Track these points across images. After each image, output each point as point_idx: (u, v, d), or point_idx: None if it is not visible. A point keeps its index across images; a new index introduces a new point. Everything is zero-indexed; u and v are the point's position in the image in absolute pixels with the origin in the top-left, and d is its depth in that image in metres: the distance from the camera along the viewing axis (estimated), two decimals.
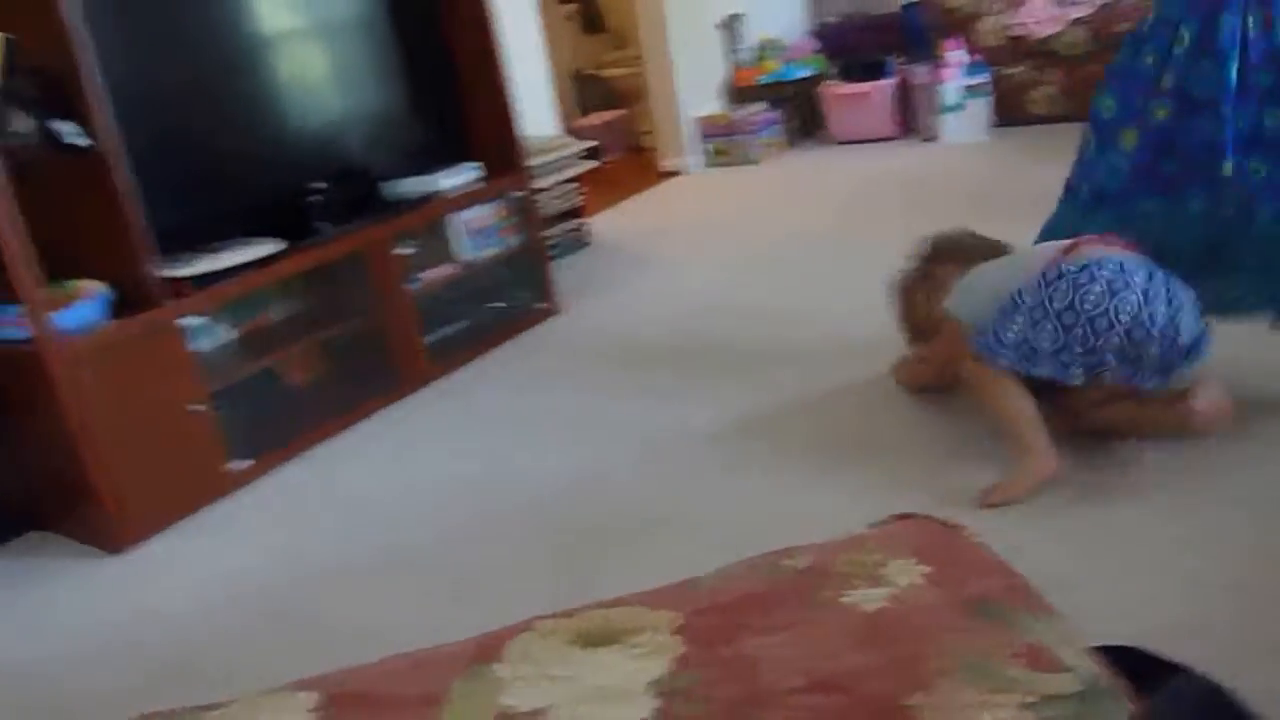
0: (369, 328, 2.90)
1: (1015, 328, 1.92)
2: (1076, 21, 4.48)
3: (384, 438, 2.73)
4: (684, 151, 5.20)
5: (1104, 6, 4.52)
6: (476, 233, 3.15)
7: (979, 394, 2.04)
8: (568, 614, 0.97)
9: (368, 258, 2.83)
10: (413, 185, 3.09)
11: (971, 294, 2.11)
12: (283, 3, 2.84)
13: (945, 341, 2.18)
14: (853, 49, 5.38)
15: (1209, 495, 1.81)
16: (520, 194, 3.27)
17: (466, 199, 3.13)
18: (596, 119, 6.04)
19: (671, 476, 2.25)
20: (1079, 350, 1.87)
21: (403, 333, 2.93)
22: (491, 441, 2.59)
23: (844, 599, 0.92)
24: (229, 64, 2.69)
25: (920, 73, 4.89)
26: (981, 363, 1.97)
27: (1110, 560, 1.69)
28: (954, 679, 0.80)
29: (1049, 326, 1.88)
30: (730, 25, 5.31)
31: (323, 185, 2.84)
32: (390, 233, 2.88)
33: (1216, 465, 1.84)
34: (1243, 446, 1.93)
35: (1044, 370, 1.91)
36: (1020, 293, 1.94)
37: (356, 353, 2.90)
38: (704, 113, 5.21)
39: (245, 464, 2.55)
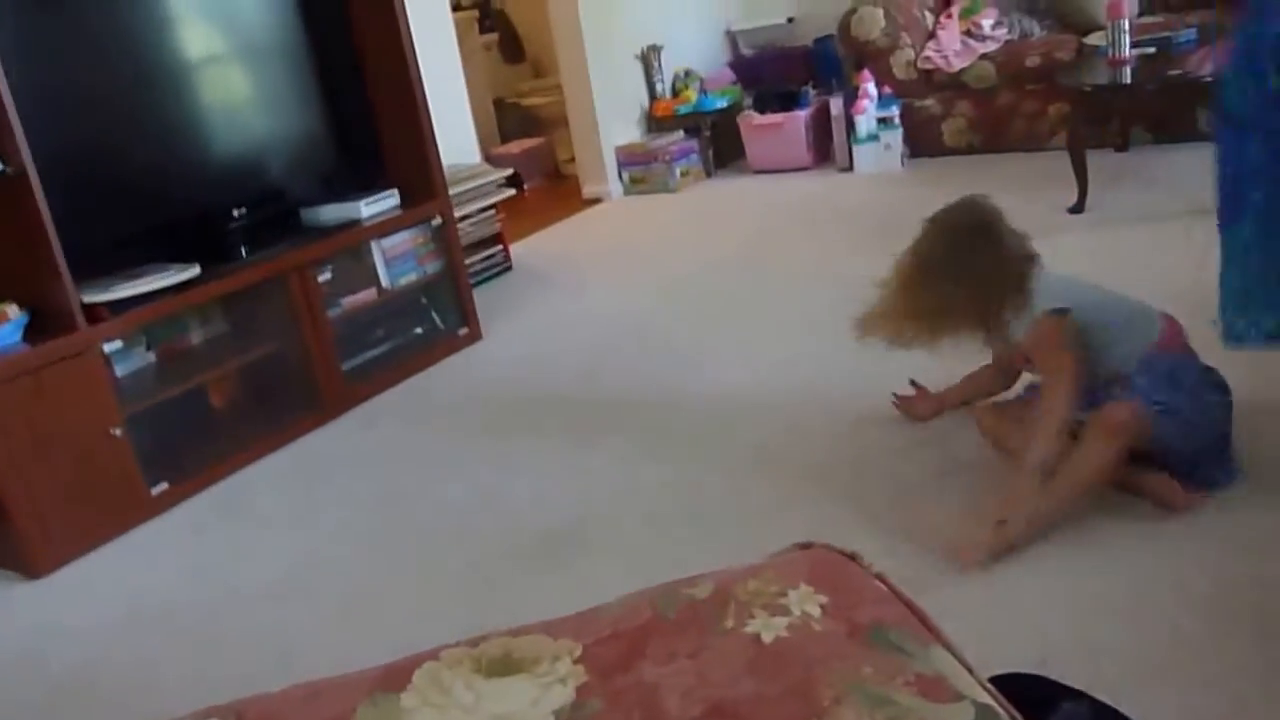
0: (288, 353, 2.92)
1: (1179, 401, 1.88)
2: (985, 57, 4.65)
3: (303, 462, 2.76)
4: (605, 179, 5.28)
5: (1009, 43, 4.72)
6: (396, 259, 3.19)
7: (1054, 414, 1.89)
8: (473, 642, 0.99)
9: (287, 283, 2.85)
10: (332, 212, 3.13)
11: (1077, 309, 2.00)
12: (202, 27, 2.87)
13: (1042, 339, 1.99)
14: (769, 80, 5.52)
15: (1103, 521, 1.89)
16: (440, 221, 3.31)
17: (386, 226, 3.17)
18: (517, 147, 6.10)
19: (575, 503, 2.30)
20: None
21: (322, 358, 2.95)
22: (405, 469, 2.62)
23: (744, 628, 0.94)
24: (148, 88, 2.71)
25: (835, 104, 5.04)
26: (1128, 416, 1.84)
27: (1007, 587, 1.76)
28: (849, 707, 0.82)
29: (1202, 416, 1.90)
30: (648, 56, 5.42)
31: (243, 210, 2.86)
32: (309, 258, 2.91)
33: (1108, 490, 1.92)
34: None
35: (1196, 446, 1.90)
36: (1180, 368, 1.93)
37: (276, 377, 2.92)
38: (623, 142, 5.30)
39: (164, 488, 2.55)
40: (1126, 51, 3.79)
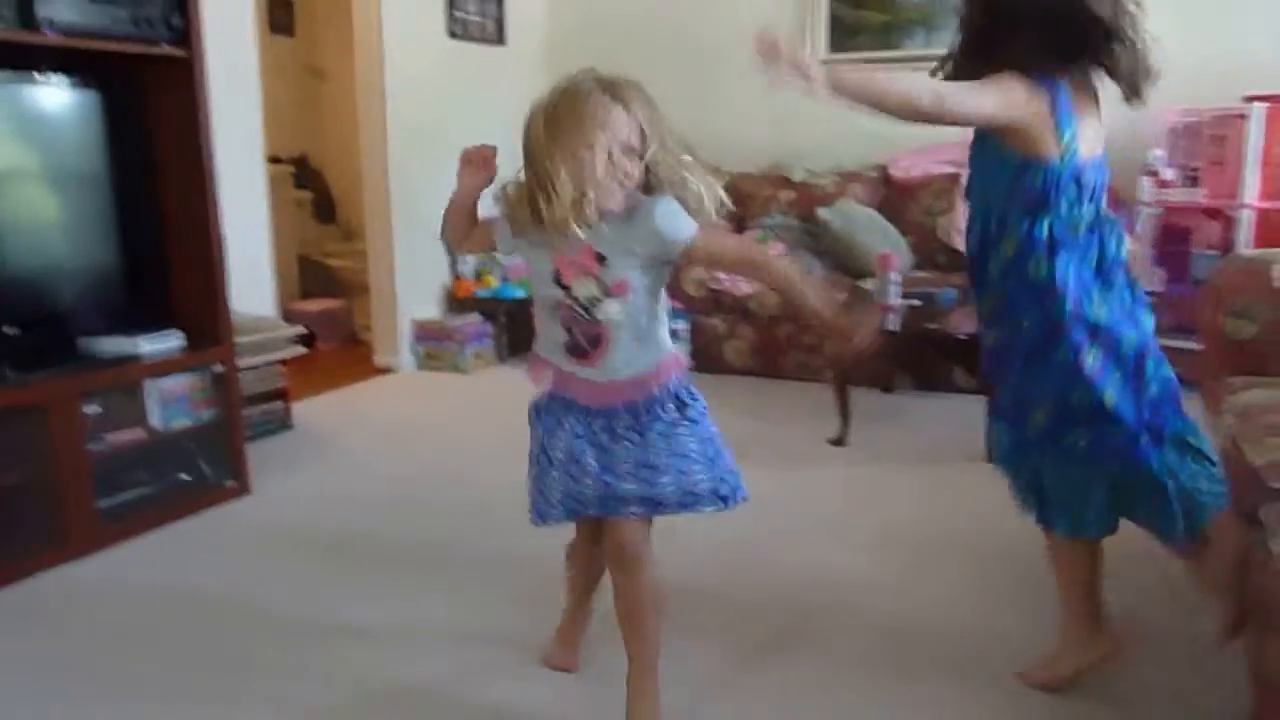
0: (41, 483, 2.81)
1: None
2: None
3: (35, 601, 2.63)
4: (398, 351, 5.34)
5: None
6: (170, 401, 3.15)
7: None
8: None
9: (50, 410, 2.77)
10: (110, 344, 3.09)
11: None
12: (2, 142, 2.85)
13: None
14: None
15: None
16: (221, 369, 3.30)
17: (164, 366, 3.14)
18: (315, 305, 6.11)
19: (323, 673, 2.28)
20: None
21: (76, 493, 2.85)
22: (143, 618, 2.55)
23: None
24: None
25: None
26: None
27: None
28: None
29: None
30: None
31: (15, 330, 2.80)
32: (78, 389, 2.85)
33: None
34: None
35: None
36: None
37: (23, 507, 2.79)
38: (421, 316, 5.40)
39: None
40: (895, 301, 4.10)
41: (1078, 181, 1.98)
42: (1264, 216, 4.51)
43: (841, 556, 2.87)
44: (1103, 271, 2.00)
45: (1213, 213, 4.71)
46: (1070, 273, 1.96)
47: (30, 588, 2.70)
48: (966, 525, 3.07)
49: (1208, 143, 4.62)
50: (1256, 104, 4.42)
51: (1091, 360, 1.96)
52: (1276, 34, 4.74)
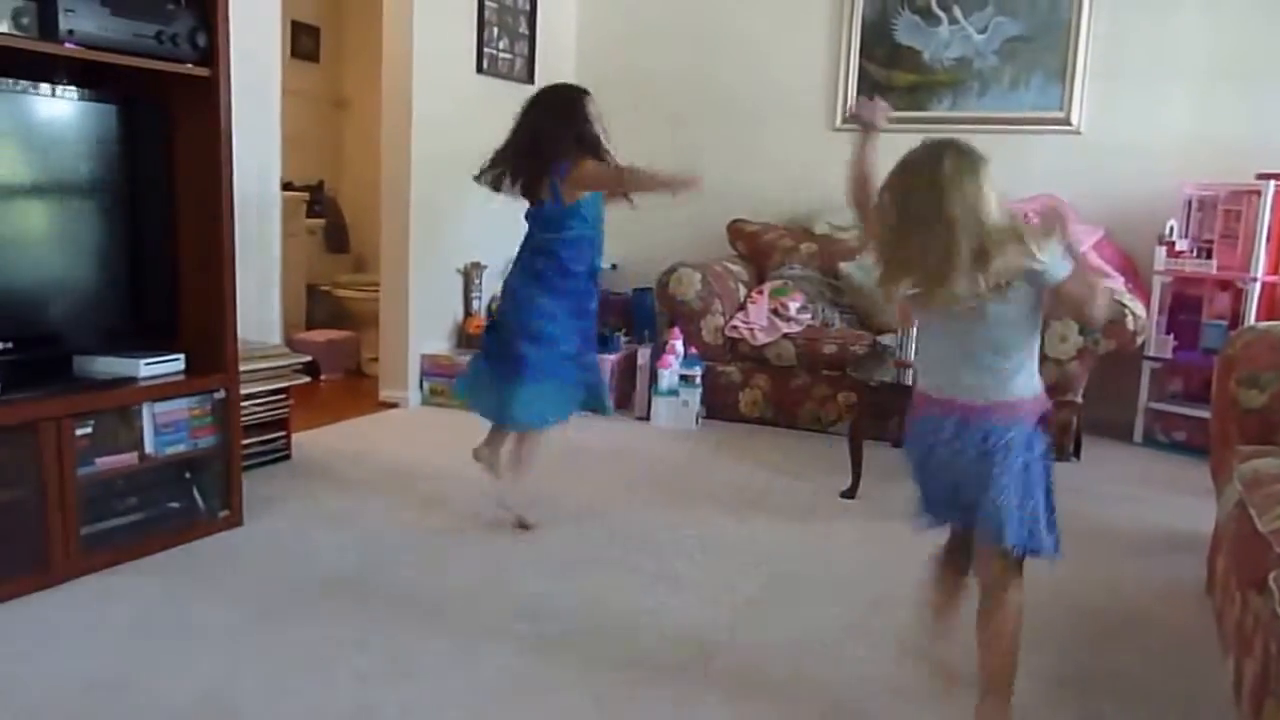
0: (26, 505, 2.70)
1: None
2: (787, 336, 4.94)
3: (14, 627, 2.51)
4: (406, 385, 5.25)
5: (811, 328, 5.03)
6: (167, 426, 3.05)
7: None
8: None
9: (40, 430, 2.68)
10: (108, 365, 3.00)
11: None
12: (13, 151, 2.78)
13: None
14: None
15: None
16: (223, 395, 3.21)
17: (164, 390, 3.04)
18: (322, 335, 6.03)
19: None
20: None
21: (62, 517, 2.74)
22: (119, 654, 2.43)
23: None
24: None
25: (643, 354, 5.22)
26: None
27: None
28: None
29: None
30: (470, 272, 5.53)
31: (8, 345, 2.71)
32: (71, 409, 2.75)
33: None
34: None
35: None
36: None
37: (3, 530, 2.69)
38: (430, 351, 5.32)
39: None
40: (912, 356, 4.10)
41: None
42: (1272, 290, 4.64)
43: (844, 611, 2.76)
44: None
45: (1224, 284, 4.81)
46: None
47: (3, 614, 2.60)
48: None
49: (1221, 217, 4.75)
50: (1269, 181, 4.56)
51: None
52: None
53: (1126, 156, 5.18)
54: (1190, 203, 4.85)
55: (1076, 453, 4.58)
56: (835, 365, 4.78)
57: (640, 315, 5.68)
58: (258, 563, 3.03)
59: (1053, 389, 4.32)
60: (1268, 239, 4.59)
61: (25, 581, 2.68)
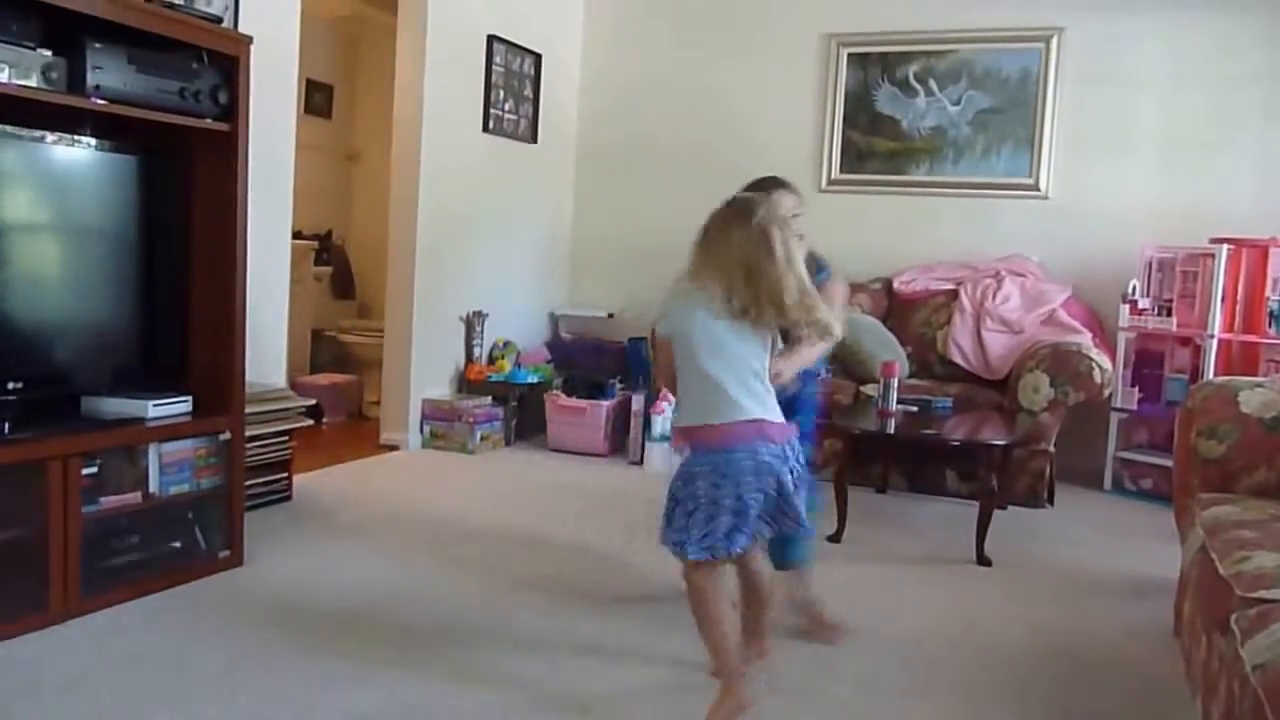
0: (30, 543, 2.62)
1: None
2: None
3: (13, 666, 2.42)
4: (406, 429, 5.17)
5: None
6: (171, 467, 2.97)
7: None
8: None
9: (46, 469, 2.60)
10: (116, 405, 2.92)
11: None
12: (30, 192, 2.73)
13: None
14: (581, 366, 5.64)
15: None
16: (228, 437, 3.13)
17: (170, 430, 2.97)
18: (325, 379, 5.96)
19: None
20: None
21: (65, 556, 2.66)
22: (116, 693, 2.33)
23: None
24: None
25: (637, 401, 5.16)
26: None
27: None
28: None
29: None
30: (472, 320, 5.48)
31: (18, 385, 2.64)
32: (77, 448, 2.67)
33: None
34: None
35: None
36: None
37: (7, 568, 2.60)
38: (431, 395, 5.25)
39: None
40: (894, 406, 4.08)
41: None
42: (1228, 346, 4.72)
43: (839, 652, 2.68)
44: None
45: (1183, 340, 4.87)
46: None
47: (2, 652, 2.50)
48: (957, 625, 2.96)
49: (1180, 277, 4.85)
50: (1222, 245, 4.65)
51: None
52: (1241, 186, 5.02)
53: (1091, 220, 5.26)
54: (1151, 264, 4.93)
55: (1050, 499, 4.54)
56: (821, 414, 4.71)
57: (635, 363, 5.63)
58: (257, 602, 2.93)
59: (1027, 439, 4.35)
60: (1223, 299, 4.64)
61: (26, 620, 2.59)
